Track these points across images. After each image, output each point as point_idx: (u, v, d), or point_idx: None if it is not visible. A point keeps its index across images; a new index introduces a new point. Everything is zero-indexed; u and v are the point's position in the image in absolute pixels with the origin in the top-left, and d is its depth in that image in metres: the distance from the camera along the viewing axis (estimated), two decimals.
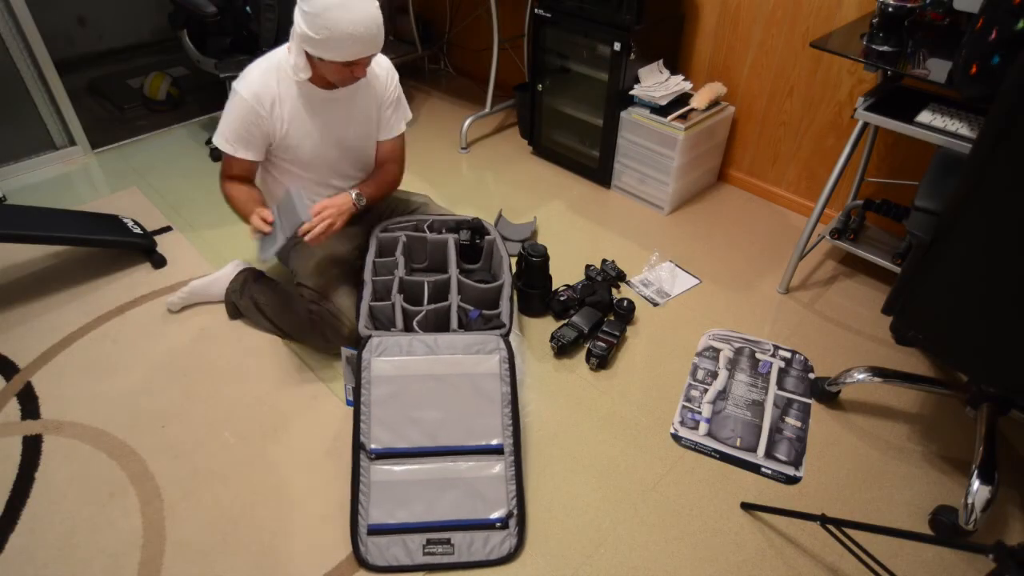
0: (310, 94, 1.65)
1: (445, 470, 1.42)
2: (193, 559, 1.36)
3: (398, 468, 1.41)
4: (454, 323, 1.62)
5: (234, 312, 1.95)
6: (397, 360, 1.49)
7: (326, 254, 1.80)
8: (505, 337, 1.53)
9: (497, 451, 1.44)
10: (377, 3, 1.48)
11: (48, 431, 1.63)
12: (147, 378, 1.77)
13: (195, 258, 2.20)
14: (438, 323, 1.67)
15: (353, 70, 1.55)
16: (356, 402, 1.46)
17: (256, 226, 1.62)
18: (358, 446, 1.42)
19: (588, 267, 2.06)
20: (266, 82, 1.60)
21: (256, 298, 1.88)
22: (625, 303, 1.89)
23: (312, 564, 1.36)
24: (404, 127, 1.86)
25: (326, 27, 1.43)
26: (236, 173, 1.71)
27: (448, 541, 1.36)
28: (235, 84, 1.61)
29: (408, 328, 1.60)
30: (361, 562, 1.34)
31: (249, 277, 1.94)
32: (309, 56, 1.55)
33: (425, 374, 1.48)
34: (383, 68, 1.76)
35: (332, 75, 1.57)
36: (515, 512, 1.39)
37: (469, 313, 1.64)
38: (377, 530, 1.36)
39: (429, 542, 1.36)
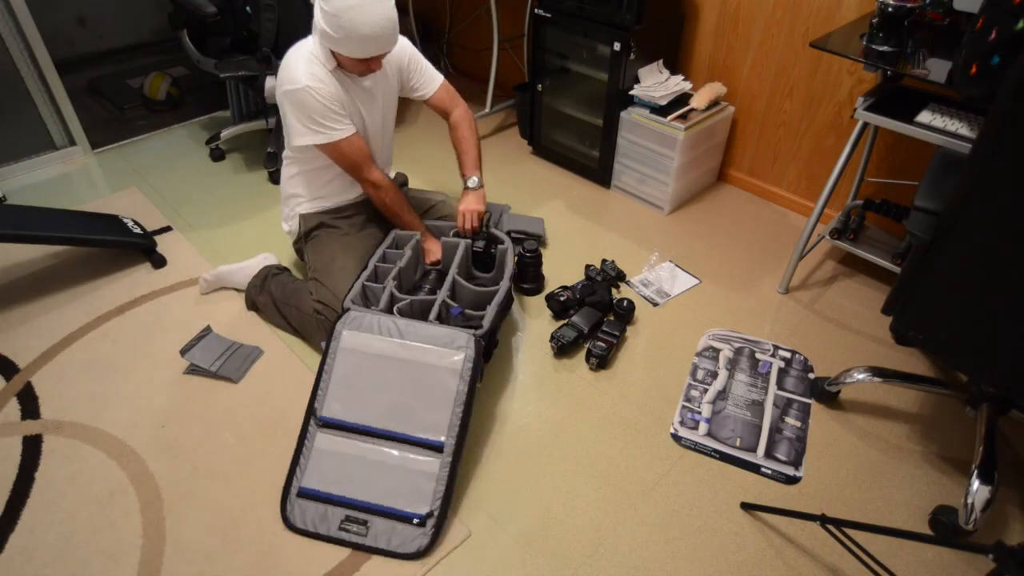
0: (345, 80, 1.69)
1: (383, 454, 1.44)
2: (193, 559, 1.36)
3: (341, 439, 1.45)
4: (433, 315, 1.62)
5: (252, 304, 1.98)
6: (364, 336, 1.52)
7: (343, 249, 1.81)
8: (478, 338, 1.52)
9: (437, 448, 1.44)
10: (393, 3, 1.53)
11: (48, 431, 1.63)
12: (147, 378, 1.77)
13: (195, 258, 2.20)
14: (421, 313, 1.68)
15: (369, 64, 1.62)
16: (320, 369, 1.49)
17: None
18: (310, 411, 1.46)
19: (588, 267, 2.07)
20: (312, 69, 1.63)
21: (273, 293, 1.91)
22: (625, 303, 1.89)
23: (312, 564, 1.36)
24: (440, 76, 1.92)
25: (343, 27, 1.50)
26: (364, 155, 1.73)
27: (365, 523, 1.38)
28: (292, 85, 1.61)
29: (389, 312, 1.61)
30: (284, 520, 1.40)
31: (270, 273, 1.96)
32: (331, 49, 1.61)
33: (388, 356, 1.50)
34: None
35: (350, 68, 1.65)
36: (436, 513, 1.40)
37: (451, 309, 1.64)
38: (306, 494, 1.41)
39: (347, 519, 1.39)
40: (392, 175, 2.04)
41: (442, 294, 1.68)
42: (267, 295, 1.92)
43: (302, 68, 1.61)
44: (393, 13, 1.53)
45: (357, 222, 1.90)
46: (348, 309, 1.54)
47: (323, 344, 1.55)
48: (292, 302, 1.85)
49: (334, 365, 1.50)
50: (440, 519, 1.40)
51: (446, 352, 1.50)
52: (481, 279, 1.91)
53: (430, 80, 1.90)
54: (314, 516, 1.40)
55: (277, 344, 1.87)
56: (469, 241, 1.84)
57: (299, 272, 2.09)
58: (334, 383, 1.48)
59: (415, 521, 1.38)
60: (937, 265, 1.25)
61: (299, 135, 1.67)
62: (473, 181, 1.87)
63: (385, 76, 1.79)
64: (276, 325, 1.92)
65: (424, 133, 2.99)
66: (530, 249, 1.98)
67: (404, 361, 1.49)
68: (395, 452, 1.44)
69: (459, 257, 1.80)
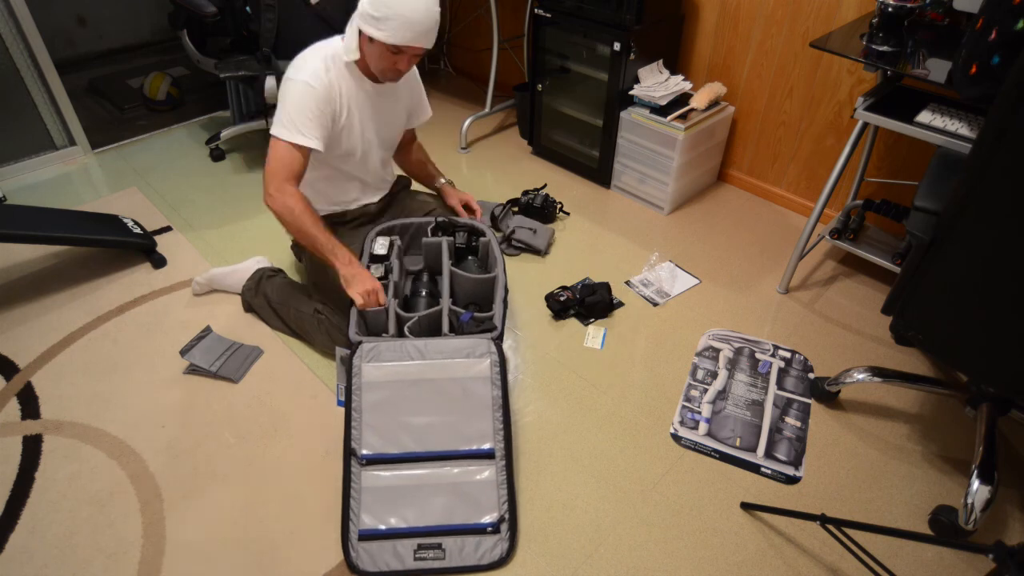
0: (361, 85, 1.66)
1: (436, 475, 1.41)
2: (193, 559, 1.36)
3: (389, 473, 1.41)
4: (445, 327, 1.61)
5: (248, 307, 1.97)
6: (387, 366, 1.48)
7: None
8: (496, 341, 1.52)
9: (488, 455, 1.43)
10: (439, 1, 1.53)
11: (48, 431, 1.63)
12: (147, 378, 1.77)
13: (195, 258, 2.20)
14: (431, 328, 1.66)
15: (397, 61, 1.56)
16: (347, 407, 1.45)
17: (368, 303, 1.57)
18: (349, 452, 1.41)
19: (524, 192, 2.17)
20: (327, 70, 1.60)
21: (269, 296, 1.90)
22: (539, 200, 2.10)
23: (312, 563, 1.36)
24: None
25: (387, 4, 1.46)
26: (296, 170, 1.58)
27: (439, 546, 1.36)
28: (293, 75, 1.58)
29: (400, 334, 1.60)
30: (352, 568, 1.34)
31: (264, 276, 1.95)
32: (361, 39, 1.56)
33: (416, 379, 1.48)
34: None
35: (376, 61, 1.57)
36: (507, 517, 1.39)
37: (460, 316, 1.64)
38: (368, 536, 1.36)
39: (420, 547, 1.35)
40: (394, 178, 2.03)
41: (445, 303, 1.67)
42: (263, 297, 1.91)
43: (319, 66, 1.58)
44: (436, 7, 1.52)
45: (354, 227, 1.89)
46: (360, 342, 1.50)
47: (340, 371, 1.50)
48: (290, 303, 1.84)
49: (362, 401, 1.45)
50: (512, 522, 1.40)
51: (471, 362, 1.49)
52: (467, 266, 1.89)
53: (426, 107, 1.93)
54: (386, 556, 1.34)
55: (277, 344, 1.87)
56: (451, 239, 1.83)
57: (294, 274, 2.09)
58: (367, 418, 1.44)
59: (489, 529, 1.37)
60: (937, 265, 1.25)
61: (274, 124, 1.60)
62: (443, 180, 2.03)
63: (397, 94, 1.77)
64: (273, 327, 1.92)
65: (428, 134, 2.99)
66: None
67: (433, 380, 1.48)
68: (447, 470, 1.42)
69: (446, 256, 1.80)
